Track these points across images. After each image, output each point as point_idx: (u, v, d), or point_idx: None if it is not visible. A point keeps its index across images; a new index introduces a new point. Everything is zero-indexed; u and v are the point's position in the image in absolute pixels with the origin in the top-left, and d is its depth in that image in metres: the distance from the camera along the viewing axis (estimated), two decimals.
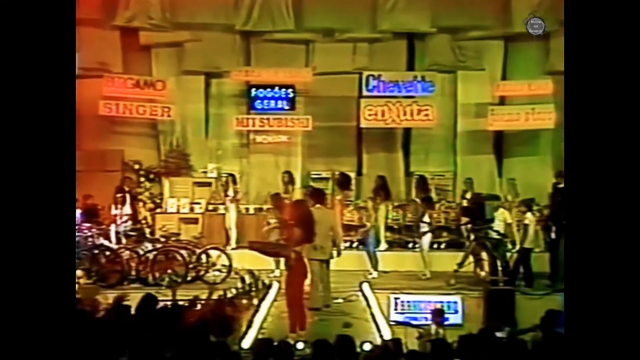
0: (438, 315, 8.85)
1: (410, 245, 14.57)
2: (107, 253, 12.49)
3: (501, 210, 12.85)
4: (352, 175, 15.85)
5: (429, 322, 8.94)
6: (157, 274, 12.12)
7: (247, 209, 15.16)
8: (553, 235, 12.56)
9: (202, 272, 12.45)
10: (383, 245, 14.18)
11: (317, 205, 10.79)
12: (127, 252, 12.60)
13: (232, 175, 15.03)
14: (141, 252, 12.47)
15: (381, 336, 8.82)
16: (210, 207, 15.16)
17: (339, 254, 10.86)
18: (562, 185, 12.52)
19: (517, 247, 12.61)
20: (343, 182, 14.64)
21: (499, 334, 7.15)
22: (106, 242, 12.95)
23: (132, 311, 7.24)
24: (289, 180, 14.64)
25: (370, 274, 12.93)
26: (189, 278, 12.15)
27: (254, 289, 10.95)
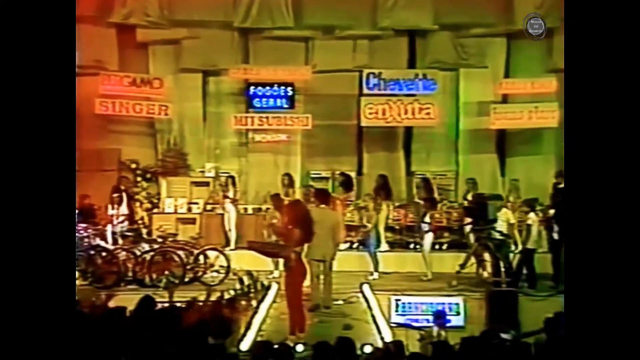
0: (438, 317, 8.86)
1: (412, 246, 14.57)
2: (104, 254, 12.50)
3: (504, 210, 12.83)
4: (353, 174, 15.85)
5: (430, 324, 8.93)
6: (154, 275, 12.14)
7: (245, 209, 15.16)
8: (556, 236, 12.56)
9: (200, 273, 12.46)
10: (384, 246, 14.18)
11: (322, 206, 10.86)
12: (124, 252, 12.61)
13: (232, 177, 15.05)
14: (138, 253, 12.48)
15: (382, 338, 8.82)
16: (208, 207, 15.16)
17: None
18: (562, 185, 12.53)
19: (520, 247, 12.60)
20: (346, 182, 14.68)
21: (502, 336, 7.15)
22: (102, 243, 12.96)
23: (129, 313, 7.24)
24: (289, 182, 14.64)
25: (371, 275, 12.94)
26: (186, 279, 12.16)
27: (252, 290, 10.96)
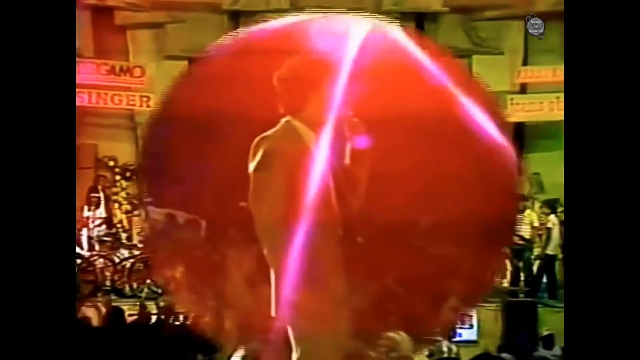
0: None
1: None
2: (78, 261, 12.50)
3: (528, 212, 12.78)
4: None
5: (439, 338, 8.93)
6: (134, 285, 12.16)
7: None
8: None
9: None
10: None
11: None
12: (101, 259, 12.65)
13: None
14: (117, 260, 12.52)
15: None
16: None
17: None
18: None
19: (538, 253, 12.60)
20: None
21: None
22: (77, 249, 12.95)
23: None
24: None
25: None
26: None
27: None
